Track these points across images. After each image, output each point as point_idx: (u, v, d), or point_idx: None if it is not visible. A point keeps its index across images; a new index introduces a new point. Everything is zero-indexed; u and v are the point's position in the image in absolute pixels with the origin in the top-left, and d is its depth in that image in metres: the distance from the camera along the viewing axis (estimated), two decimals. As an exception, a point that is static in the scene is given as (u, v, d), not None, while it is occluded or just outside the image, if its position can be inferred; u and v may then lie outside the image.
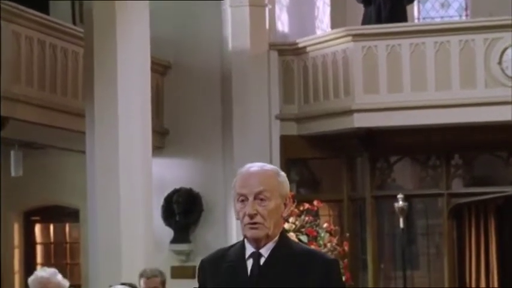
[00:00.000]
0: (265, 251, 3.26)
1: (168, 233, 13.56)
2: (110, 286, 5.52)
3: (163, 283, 6.99)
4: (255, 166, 3.35)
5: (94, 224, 9.58)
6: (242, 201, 3.28)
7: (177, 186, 13.58)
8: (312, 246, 8.09)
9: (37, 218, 16.27)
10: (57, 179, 15.08)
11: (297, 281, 3.18)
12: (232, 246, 3.42)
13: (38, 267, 16.24)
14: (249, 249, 3.28)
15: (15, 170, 12.97)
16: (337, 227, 8.72)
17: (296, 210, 8.32)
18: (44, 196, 15.33)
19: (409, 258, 11.28)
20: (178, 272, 13.30)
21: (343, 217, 12.42)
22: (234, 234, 13.06)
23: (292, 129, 13.00)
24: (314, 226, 8.28)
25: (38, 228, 16.37)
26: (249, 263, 3.26)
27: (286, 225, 8.12)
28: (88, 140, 9.57)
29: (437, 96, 11.74)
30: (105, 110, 9.41)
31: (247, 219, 3.24)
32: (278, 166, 10.65)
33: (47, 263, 16.24)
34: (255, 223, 3.22)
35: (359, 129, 12.12)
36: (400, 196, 9.17)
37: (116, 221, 9.38)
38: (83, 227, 15.08)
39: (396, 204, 9.11)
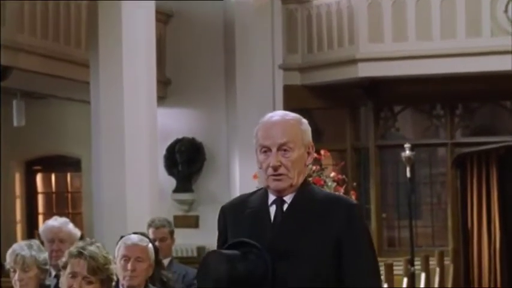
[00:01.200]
0: (288, 198, 3.23)
1: (171, 182, 13.58)
2: (122, 236, 5.49)
3: (171, 233, 6.97)
4: (276, 115, 3.30)
5: (98, 174, 9.56)
6: (265, 152, 3.24)
7: (180, 136, 13.57)
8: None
9: (38, 167, 16.28)
10: (59, 129, 15.06)
11: (320, 226, 3.16)
12: (253, 193, 3.39)
13: (40, 217, 16.31)
14: (272, 196, 3.26)
15: (17, 120, 12.92)
16: (344, 176, 8.68)
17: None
18: (46, 146, 15.31)
19: (412, 208, 11.26)
20: (181, 222, 13.32)
21: (346, 167, 12.40)
22: (237, 183, 13.08)
23: (296, 79, 12.94)
24: (321, 175, 8.25)
25: (39, 177, 16.38)
26: (272, 209, 3.23)
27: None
28: (92, 90, 9.51)
29: (442, 45, 11.65)
30: (110, 60, 9.34)
31: (270, 171, 3.20)
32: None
33: (48, 213, 16.28)
34: (279, 174, 3.19)
35: (363, 78, 12.06)
36: (407, 145, 9.15)
37: (121, 170, 9.36)
38: (85, 176, 15.10)
39: (403, 154, 9.09)
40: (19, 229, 16.12)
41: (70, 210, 16.20)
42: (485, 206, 13.33)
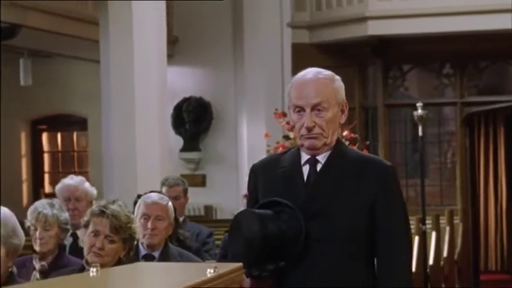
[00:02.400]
0: (321, 158, 3.20)
1: (178, 141, 13.54)
2: (139, 195, 5.46)
3: (185, 191, 6.95)
4: (310, 73, 3.25)
5: (108, 133, 9.49)
6: (298, 111, 3.19)
7: (187, 95, 13.51)
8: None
9: (44, 126, 16.24)
10: (64, 88, 15.00)
11: (353, 187, 3.13)
12: (285, 152, 3.36)
13: (46, 176, 16.32)
14: (305, 156, 3.22)
15: (24, 79, 12.85)
16: (356, 135, 8.64)
17: (316, 118, 8.20)
18: (51, 105, 15.27)
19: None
20: (188, 180, 13.25)
21: (355, 126, 12.34)
22: (245, 143, 13.04)
23: (304, 37, 12.83)
24: (333, 134, 8.19)
25: (45, 136, 16.35)
26: (305, 169, 3.20)
27: (306, 134, 8.04)
28: (102, 48, 9.41)
29: (453, 3, 11.51)
30: (120, 18, 9.23)
31: (304, 131, 3.16)
32: (289, 75, 10.62)
33: (54, 172, 16.30)
34: (313, 134, 3.15)
35: (372, 37, 11.95)
36: (419, 104, 9.08)
37: (130, 129, 9.30)
38: (92, 135, 15.08)
39: (415, 113, 9.02)
40: (25, 188, 16.13)
41: (76, 169, 16.18)
42: (492, 166, 13.32)
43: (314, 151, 3.18)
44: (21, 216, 12.90)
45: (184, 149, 13.59)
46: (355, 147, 8.40)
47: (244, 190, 12.84)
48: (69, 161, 16.30)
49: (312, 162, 3.19)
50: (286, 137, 8.43)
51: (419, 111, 9.08)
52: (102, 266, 3.96)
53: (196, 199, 12.81)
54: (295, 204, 3.10)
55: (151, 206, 4.74)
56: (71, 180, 5.70)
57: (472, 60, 12.33)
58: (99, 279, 2.08)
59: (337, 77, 3.28)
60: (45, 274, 4.75)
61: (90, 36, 10.82)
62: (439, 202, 12.22)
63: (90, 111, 14.74)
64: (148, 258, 4.69)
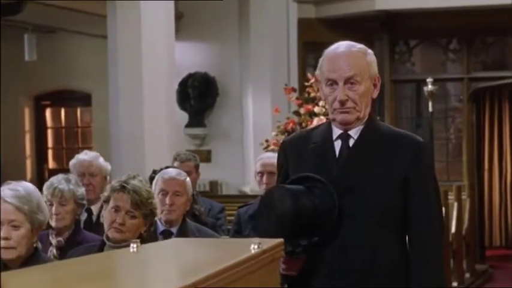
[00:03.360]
0: (354, 133, 3.15)
1: (183, 117, 13.49)
2: (155, 170, 5.42)
3: (196, 167, 6.88)
4: (342, 46, 3.21)
5: (116, 109, 9.45)
6: (331, 85, 3.15)
7: (192, 71, 13.44)
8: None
9: (47, 102, 16.18)
10: (68, 63, 14.92)
11: (386, 163, 3.09)
12: (316, 127, 3.32)
13: (49, 151, 16.28)
14: (336, 130, 3.17)
15: (29, 54, 12.77)
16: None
17: (326, 93, 8.16)
18: (55, 80, 15.19)
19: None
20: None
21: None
22: (250, 118, 12.99)
23: (310, 12, 12.74)
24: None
25: (48, 112, 16.29)
26: (337, 144, 3.16)
27: (316, 109, 8.03)
28: (110, 24, 9.34)
29: (461, -23, 11.45)
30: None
31: (337, 105, 3.12)
32: (295, 50, 10.55)
33: (57, 148, 16.26)
34: (346, 108, 3.11)
35: (379, 11, 11.88)
36: (429, 80, 9.03)
37: (138, 105, 9.26)
38: (96, 111, 15.03)
39: (425, 88, 8.98)
40: (28, 164, 16.10)
41: (80, 145, 16.14)
42: (497, 141, 13.30)
43: (346, 126, 3.14)
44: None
45: (189, 124, 13.54)
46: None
47: (252, 166, 12.81)
48: (73, 137, 16.25)
49: (344, 137, 3.15)
50: (296, 113, 8.40)
51: (430, 86, 9.03)
52: (123, 242, 3.96)
53: (202, 175, 12.76)
54: (327, 179, 3.06)
55: (169, 181, 4.70)
56: (86, 155, 5.64)
57: (479, 35, 12.26)
58: (142, 255, 2.05)
59: (370, 51, 3.25)
60: (61, 250, 4.71)
61: (96, 11, 10.75)
62: (446, 178, 12.18)
63: (95, 86, 14.68)
64: (166, 234, 4.66)
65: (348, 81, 3.11)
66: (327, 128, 3.20)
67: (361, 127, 3.15)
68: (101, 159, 5.70)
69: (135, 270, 1.78)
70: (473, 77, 12.33)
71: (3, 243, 3.36)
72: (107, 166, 5.70)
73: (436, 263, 3.07)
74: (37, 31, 13.12)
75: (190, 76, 13.41)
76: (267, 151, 8.24)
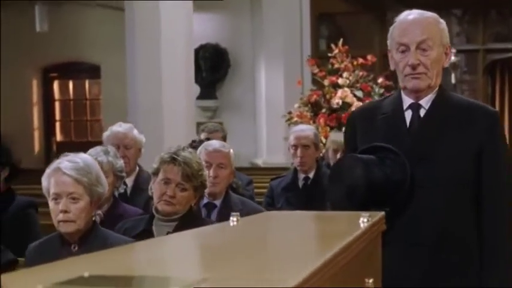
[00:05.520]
0: (425, 103, 3.09)
1: (195, 89, 13.39)
2: (194, 141, 5.34)
3: (224, 138, 6.78)
4: (413, 13, 3.14)
5: (134, 82, 9.34)
6: (402, 51, 3.07)
7: (203, 42, 13.35)
8: (367, 102, 7.94)
9: (55, 74, 16.09)
10: (76, 35, 14.80)
11: (459, 134, 3.03)
12: (385, 97, 3.25)
13: (57, 124, 16.20)
14: (407, 100, 3.10)
15: (40, 25, 12.65)
16: (391, 82, 8.51)
17: (349, 65, 8.12)
18: (63, 52, 15.09)
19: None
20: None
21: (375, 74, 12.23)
22: (263, 90, 12.91)
23: (324, -17, 12.65)
24: (368, 81, 8.10)
25: (56, 84, 16.21)
26: (407, 115, 3.09)
27: (340, 81, 7.95)
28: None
29: None
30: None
31: (408, 70, 3.05)
32: (308, 21, 10.44)
33: (65, 120, 16.18)
34: (417, 73, 3.04)
35: (393, -19, 11.80)
36: (453, 51, 8.92)
37: (156, 78, 9.15)
38: (105, 83, 14.93)
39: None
40: (36, 136, 16.03)
41: (88, 118, 16.08)
42: (507, 113, 13.26)
43: (417, 93, 3.07)
44: (33, 163, 12.90)
45: (200, 96, 13.48)
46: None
47: (264, 138, 12.73)
48: (81, 109, 16.18)
49: (415, 107, 3.08)
50: (318, 83, 8.31)
51: (453, 57, 8.96)
52: (173, 214, 3.89)
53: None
54: (398, 150, 3.00)
55: (213, 153, 4.62)
56: (120, 127, 5.53)
57: (495, 7, 12.17)
58: (244, 230, 1.98)
59: (442, 20, 3.17)
60: (101, 223, 4.64)
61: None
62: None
63: (103, 58, 14.59)
64: (210, 206, 4.58)
65: (420, 46, 3.04)
66: (397, 98, 3.14)
67: (432, 97, 3.09)
68: (136, 131, 5.60)
69: (270, 244, 1.72)
70: (489, 48, 12.25)
71: (62, 216, 3.29)
72: (142, 138, 5.60)
73: (503, 233, 3.03)
74: (48, 1, 13.00)
75: (201, 47, 13.32)
76: (290, 123, 8.17)
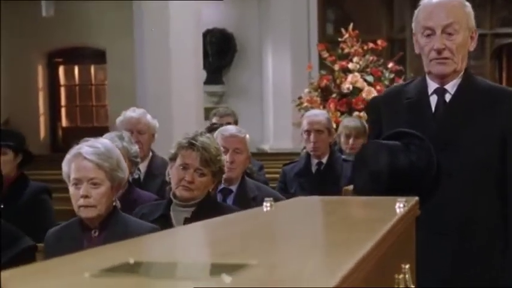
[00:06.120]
0: (450, 87, 3.05)
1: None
2: (212, 123, 5.33)
3: (235, 123, 6.78)
4: None
5: (142, 67, 9.30)
6: (428, 35, 3.04)
7: (210, 27, 13.29)
8: (377, 87, 7.92)
9: (60, 59, 16.04)
10: (81, 20, 14.74)
11: (485, 119, 3.00)
12: (409, 82, 3.22)
13: (62, 109, 16.17)
14: (432, 85, 3.07)
15: (46, 10, 12.60)
16: (401, 67, 8.48)
17: (360, 49, 8.08)
18: (68, 37, 15.04)
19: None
20: (210, 114, 13.17)
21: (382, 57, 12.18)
22: (270, 75, 12.88)
23: (331, -33, 12.59)
24: (378, 66, 8.07)
25: (61, 70, 16.16)
26: (433, 99, 3.06)
27: (351, 65, 7.92)
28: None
29: None
30: None
31: (433, 54, 3.01)
32: (315, 5, 10.38)
33: (71, 105, 16.15)
34: (443, 58, 3.01)
35: (401, -35, 11.74)
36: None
37: (165, 64, 9.12)
38: (111, 68, 14.89)
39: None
40: (42, 121, 16.01)
41: (94, 103, 16.05)
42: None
43: (443, 79, 3.04)
44: (38, 149, 12.82)
45: (207, 82, 13.41)
46: (400, 80, 8.28)
47: (271, 123, 12.67)
48: (87, 95, 16.14)
49: (440, 92, 3.05)
50: (328, 67, 8.27)
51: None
52: (191, 200, 3.87)
53: (220, 132, 12.73)
54: (423, 136, 2.97)
55: (230, 138, 4.59)
56: (133, 112, 5.50)
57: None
58: (280, 215, 1.96)
59: (468, 3, 3.13)
60: (115, 208, 4.63)
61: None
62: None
63: (109, 43, 14.54)
64: (226, 192, 4.57)
65: (446, 29, 3.01)
66: (422, 82, 3.11)
67: (458, 81, 3.05)
68: (149, 116, 5.57)
69: (310, 229, 1.70)
70: (497, 33, 12.20)
71: (82, 201, 3.27)
72: (155, 123, 5.57)
73: None
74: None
75: (208, 32, 13.27)
76: (300, 109, 8.13)
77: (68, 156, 3.33)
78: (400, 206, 1.96)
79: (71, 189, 3.32)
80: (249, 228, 1.79)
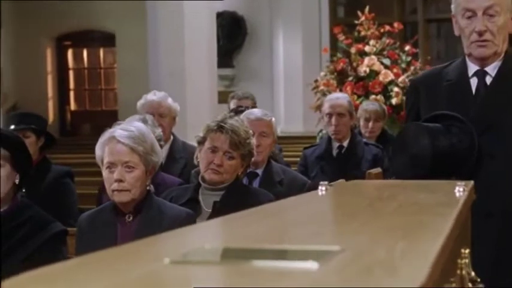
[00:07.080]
0: (491, 70, 3.03)
1: (212, 57, 13.31)
2: (238, 106, 5.29)
3: (254, 106, 6.75)
4: None
5: (155, 51, 9.24)
6: (469, 17, 3.00)
7: (220, 10, 13.21)
8: (394, 70, 7.87)
9: (69, 43, 15.99)
10: (91, 3, 14.68)
11: None
12: (449, 64, 3.18)
13: (71, 93, 16.13)
14: (472, 67, 3.04)
15: (55, -7, 12.55)
16: (418, 50, 8.42)
17: (376, 32, 8.04)
18: (77, 20, 14.98)
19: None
20: (221, 97, 13.13)
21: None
22: (281, 59, 12.83)
23: (342, -51, 12.52)
24: (395, 49, 8.02)
25: (70, 53, 16.12)
26: (473, 82, 3.03)
27: (367, 48, 7.87)
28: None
29: None
30: None
31: (475, 37, 2.98)
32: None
33: (80, 89, 16.12)
34: (484, 40, 2.97)
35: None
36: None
37: (179, 47, 9.06)
38: (120, 51, 14.84)
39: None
40: (51, 105, 15.98)
41: (103, 86, 16.01)
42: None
43: (483, 61, 3.01)
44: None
45: (217, 65, 13.36)
46: (417, 63, 8.23)
47: (281, 106, 12.62)
48: (96, 78, 16.10)
49: (481, 74, 3.02)
50: (344, 50, 8.22)
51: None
52: (220, 183, 3.84)
53: (230, 116, 12.68)
54: (464, 118, 2.94)
55: (256, 122, 4.55)
56: (154, 96, 5.47)
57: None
58: (339, 199, 1.94)
59: (507, -15, 3.10)
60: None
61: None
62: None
63: (118, 26, 14.48)
64: (251, 175, 4.53)
65: (487, 11, 2.97)
66: (462, 64, 3.07)
67: (498, 64, 3.02)
68: (170, 100, 5.54)
69: (379, 213, 1.67)
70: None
71: (116, 185, 3.24)
72: (176, 107, 5.54)
73: None
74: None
75: (218, 15, 13.16)
76: (316, 92, 8.10)
77: (101, 140, 3.30)
78: (460, 190, 1.93)
79: (105, 173, 3.29)
80: (312, 212, 1.76)
